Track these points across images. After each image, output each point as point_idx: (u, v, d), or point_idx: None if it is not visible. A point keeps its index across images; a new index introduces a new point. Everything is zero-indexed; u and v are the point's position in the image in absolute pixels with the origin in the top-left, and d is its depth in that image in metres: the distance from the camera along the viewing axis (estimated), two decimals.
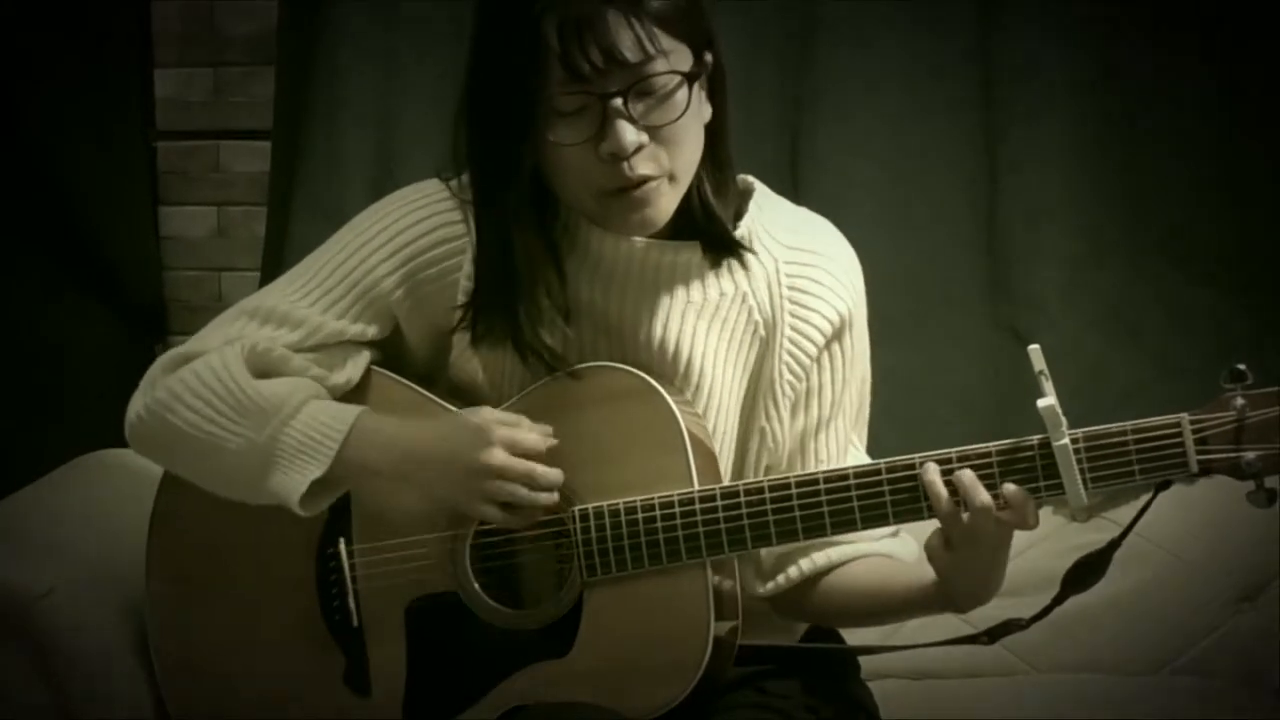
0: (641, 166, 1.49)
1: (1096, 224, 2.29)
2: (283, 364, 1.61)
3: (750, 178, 1.65)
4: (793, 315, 1.62)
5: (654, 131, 1.49)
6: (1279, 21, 2.22)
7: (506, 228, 1.55)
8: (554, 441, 1.56)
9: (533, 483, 1.53)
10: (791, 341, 1.62)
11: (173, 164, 2.62)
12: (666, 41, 1.47)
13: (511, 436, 1.53)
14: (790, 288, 1.62)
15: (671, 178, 1.52)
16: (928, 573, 1.56)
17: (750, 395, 1.64)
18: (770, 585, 1.66)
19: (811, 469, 1.65)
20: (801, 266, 1.62)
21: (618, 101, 1.47)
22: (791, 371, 1.63)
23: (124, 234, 2.59)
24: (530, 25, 1.46)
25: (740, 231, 1.60)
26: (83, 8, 2.51)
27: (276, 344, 1.61)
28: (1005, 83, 2.27)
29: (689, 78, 1.49)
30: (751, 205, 1.62)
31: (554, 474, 1.54)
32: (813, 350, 1.62)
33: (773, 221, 1.63)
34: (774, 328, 1.62)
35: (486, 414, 1.56)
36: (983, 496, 1.48)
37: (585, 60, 1.45)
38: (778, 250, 1.62)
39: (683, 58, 1.49)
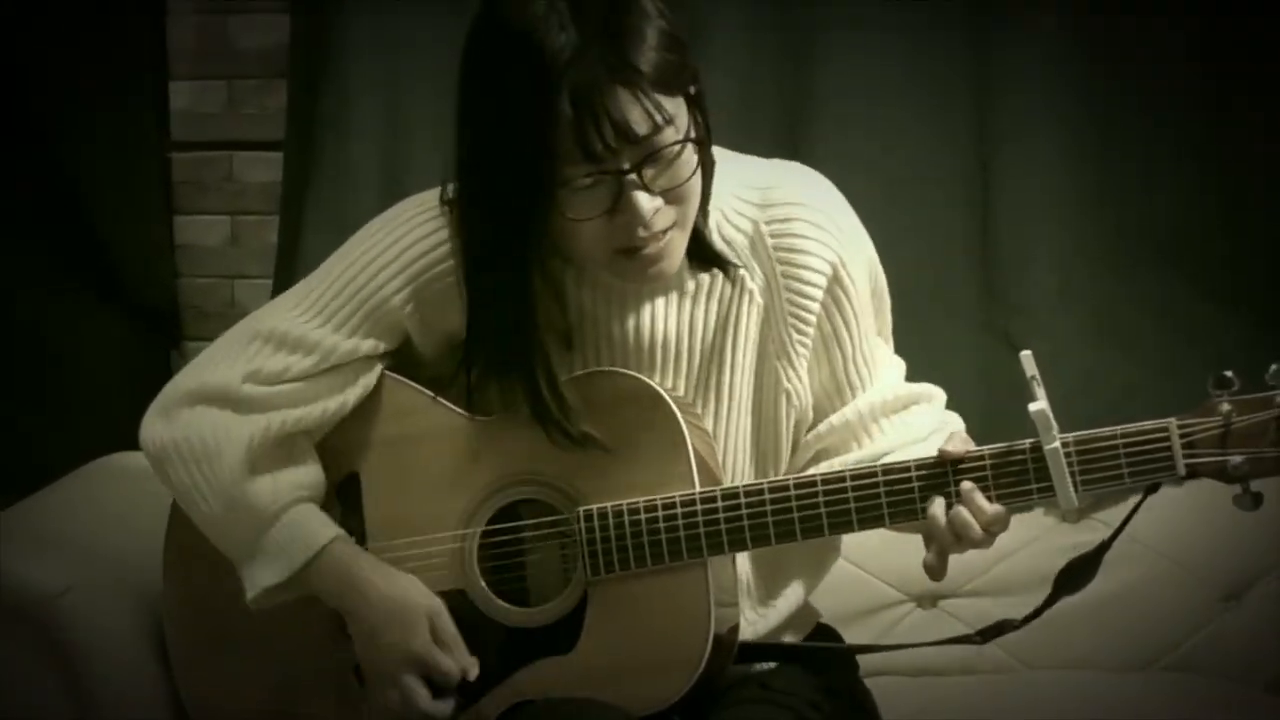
0: (658, 225, 1.51)
1: (1089, 231, 2.29)
2: (297, 427, 1.64)
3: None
4: (786, 275, 1.63)
5: (667, 193, 1.50)
6: (1271, 29, 2.22)
7: (530, 309, 1.57)
8: (474, 674, 1.60)
9: (410, 711, 1.59)
10: (791, 301, 1.64)
11: (187, 174, 2.63)
12: (670, 105, 1.48)
13: (427, 661, 1.59)
14: (776, 247, 1.63)
15: (682, 226, 1.54)
16: None
17: (761, 362, 1.65)
18: None
19: (848, 397, 1.67)
20: (782, 223, 1.63)
21: (633, 175, 1.48)
22: (799, 330, 1.64)
23: (140, 242, 2.59)
24: (539, 107, 1.44)
25: (711, 212, 1.60)
26: (100, 22, 2.51)
27: (291, 371, 1.63)
28: (999, 92, 2.27)
29: (697, 142, 1.50)
30: (717, 173, 1.60)
31: (436, 715, 1.59)
32: (814, 305, 1.63)
33: (741, 183, 1.63)
34: (770, 291, 1.64)
35: (432, 614, 1.60)
36: (975, 533, 1.51)
37: (599, 140, 1.45)
38: (753, 212, 1.63)
39: (682, 114, 1.50)
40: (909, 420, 1.67)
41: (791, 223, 1.63)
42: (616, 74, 1.44)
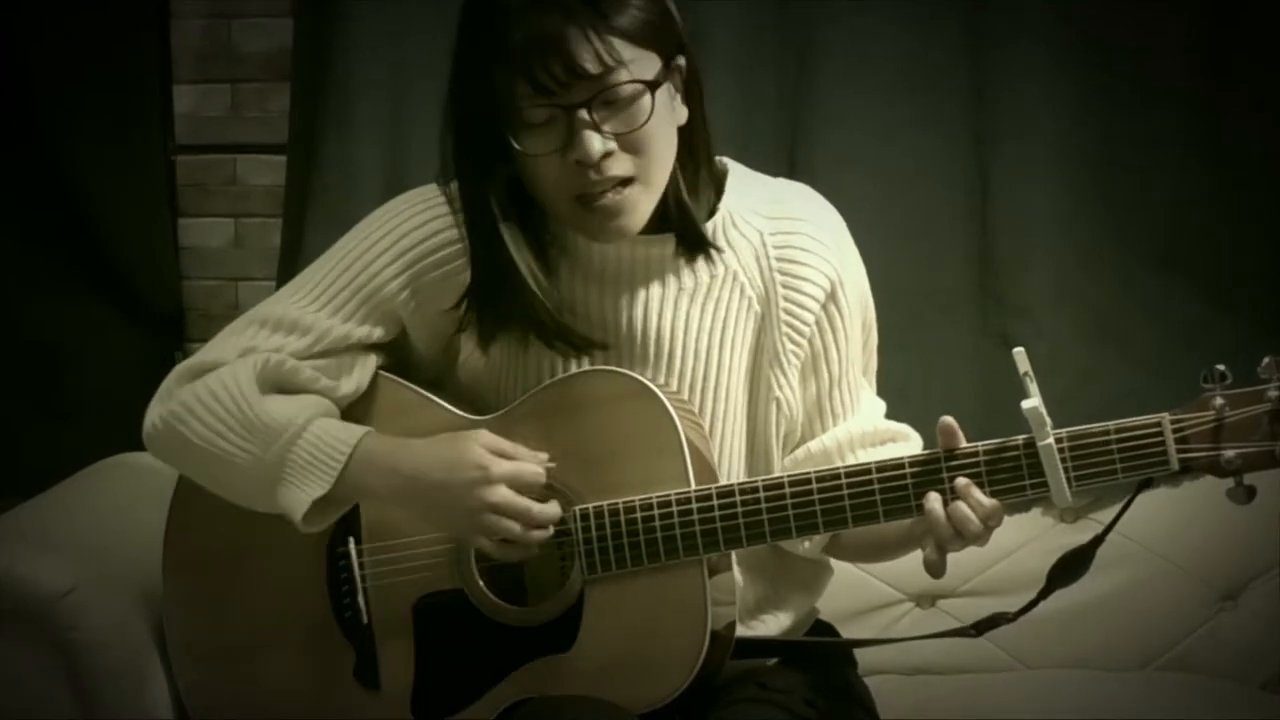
0: (611, 170, 1.53)
1: (1085, 233, 2.30)
2: (293, 376, 1.64)
3: (726, 159, 1.68)
4: (785, 286, 1.65)
5: (621, 138, 1.53)
6: (1269, 32, 2.23)
7: (494, 227, 1.59)
8: (552, 465, 1.59)
9: (529, 520, 1.57)
10: (787, 312, 1.66)
11: (191, 177, 2.64)
12: (629, 52, 1.51)
13: (513, 472, 1.57)
14: (778, 259, 1.65)
15: (644, 182, 1.56)
16: None
17: (754, 369, 1.67)
18: (813, 540, 1.70)
19: (829, 424, 1.69)
20: (786, 235, 1.66)
21: (583, 112, 1.51)
22: (793, 340, 1.66)
23: (144, 245, 2.60)
24: (495, 44, 1.50)
25: (719, 214, 1.64)
26: (105, 27, 2.53)
27: (286, 350, 1.64)
28: (997, 93, 2.29)
29: (651, 86, 1.53)
30: (729, 186, 1.65)
31: (551, 512, 1.58)
32: (809, 317, 1.66)
33: (752, 197, 1.66)
34: (768, 300, 1.65)
35: (486, 442, 1.58)
36: (975, 527, 1.52)
37: (548, 75, 1.50)
38: (760, 223, 1.65)
39: (648, 65, 1.53)
40: (885, 455, 1.66)
41: (796, 236, 1.66)
42: (571, 15, 1.49)
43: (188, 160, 2.64)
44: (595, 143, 1.52)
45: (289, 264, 2.45)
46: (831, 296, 1.66)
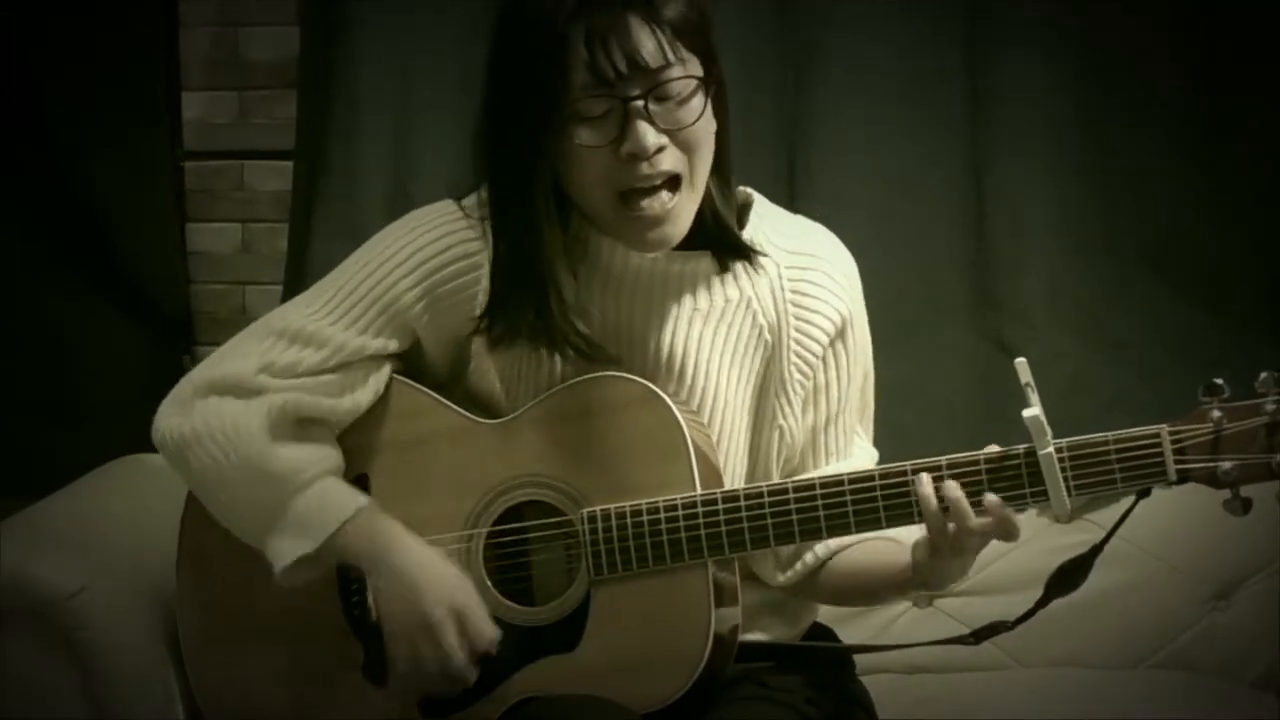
0: (662, 165, 1.54)
1: (1079, 238, 2.32)
2: (311, 410, 1.66)
3: (749, 189, 1.70)
4: (797, 318, 1.67)
5: (672, 134, 1.54)
6: (1261, 46, 2.26)
7: (538, 225, 1.59)
8: (497, 641, 1.61)
9: (449, 667, 1.59)
10: (798, 343, 1.67)
11: (199, 183, 2.66)
12: (683, 50, 1.53)
13: (474, 619, 1.59)
14: (793, 291, 1.67)
15: (690, 185, 1.57)
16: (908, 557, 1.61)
17: (759, 396, 1.69)
18: (790, 574, 1.71)
19: (821, 461, 1.71)
20: (802, 271, 1.68)
21: (639, 104, 1.52)
22: (800, 371, 1.68)
23: (153, 250, 2.63)
24: (556, 34, 1.51)
25: (744, 239, 1.65)
26: (114, 35, 2.55)
27: (302, 365, 1.66)
28: (992, 102, 2.31)
29: (704, 84, 1.55)
30: (752, 215, 1.67)
31: (469, 676, 1.60)
32: (818, 350, 1.68)
33: (773, 229, 1.68)
34: (779, 331, 1.67)
35: (467, 595, 1.60)
36: (970, 520, 1.52)
37: (610, 65, 1.50)
38: (779, 256, 1.67)
39: (696, 67, 1.55)
40: None
41: (811, 272, 1.68)
42: (632, 7, 1.51)
43: (196, 166, 2.66)
44: (650, 135, 1.52)
45: (296, 268, 2.47)
46: (840, 334, 1.68)
